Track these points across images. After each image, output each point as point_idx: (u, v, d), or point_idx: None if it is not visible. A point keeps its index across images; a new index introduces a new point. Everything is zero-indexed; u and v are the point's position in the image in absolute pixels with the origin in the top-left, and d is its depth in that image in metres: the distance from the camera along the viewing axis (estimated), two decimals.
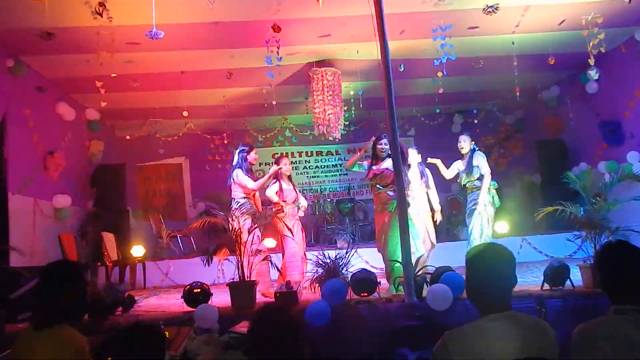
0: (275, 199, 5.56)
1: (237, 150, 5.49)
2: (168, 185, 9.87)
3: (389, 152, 4.76)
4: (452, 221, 8.31)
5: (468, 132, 6.02)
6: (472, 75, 7.65)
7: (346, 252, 4.87)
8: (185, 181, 9.92)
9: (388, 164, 4.91)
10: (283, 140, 9.95)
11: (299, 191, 6.04)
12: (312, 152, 10.44)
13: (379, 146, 5.13)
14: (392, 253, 4.72)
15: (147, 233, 8.58)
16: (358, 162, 5.25)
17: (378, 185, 5.05)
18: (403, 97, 7.62)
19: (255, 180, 5.39)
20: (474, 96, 8.58)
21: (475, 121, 9.09)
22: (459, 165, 5.76)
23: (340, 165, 10.43)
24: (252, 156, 5.46)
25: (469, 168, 5.58)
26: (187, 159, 9.95)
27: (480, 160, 5.55)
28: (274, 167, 5.56)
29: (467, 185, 5.68)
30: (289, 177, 5.81)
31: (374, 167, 5.16)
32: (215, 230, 5.07)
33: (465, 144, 5.66)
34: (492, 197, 5.53)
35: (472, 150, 5.65)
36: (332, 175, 10.43)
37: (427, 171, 5.88)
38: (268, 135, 9.60)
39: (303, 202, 5.93)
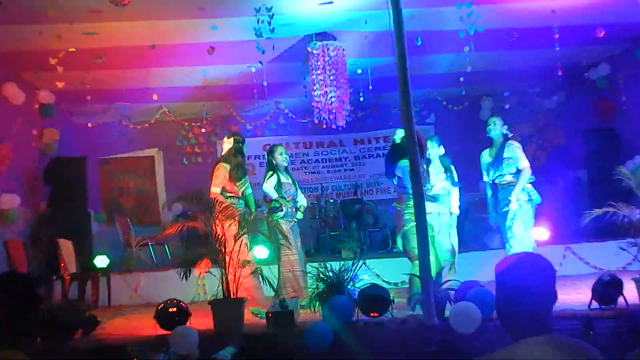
0: (274, 194, 5.63)
1: (232, 140, 5.55)
2: (138, 182, 9.84)
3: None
4: (480, 226, 8.26)
5: (500, 115, 6.00)
6: (505, 50, 7.62)
7: (353, 264, 4.97)
8: (158, 178, 9.89)
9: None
10: (276, 128, 9.92)
11: (298, 188, 6.07)
12: (311, 143, 10.40)
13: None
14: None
15: (112, 240, 8.58)
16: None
17: None
18: (421, 76, 7.57)
19: (221, 185, 5.34)
20: (506, 76, 8.55)
21: (508, 106, 9.04)
22: (486, 158, 5.73)
23: (346, 158, 10.42)
24: (243, 149, 5.62)
25: (498, 160, 5.55)
26: (160, 151, 9.92)
27: (516, 152, 5.51)
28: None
29: (496, 181, 5.64)
30: (286, 169, 5.89)
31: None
32: (195, 237, 5.28)
33: (495, 127, 5.64)
34: (528, 193, 5.49)
35: (504, 138, 5.64)
36: (335, 171, 10.39)
37: (452, 167, 5.90)
38: (258, 123, 9.55)
39: (302, 201, 5.98)
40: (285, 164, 5.85)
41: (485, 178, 5.78)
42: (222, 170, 5.39)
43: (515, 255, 1.86)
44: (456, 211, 5.81)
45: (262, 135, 9.86)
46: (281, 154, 5.80)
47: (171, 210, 9.31)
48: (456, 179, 5.85)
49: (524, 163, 5.45)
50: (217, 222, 4.83)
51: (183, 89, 8.37)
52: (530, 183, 5.54)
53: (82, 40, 6.48)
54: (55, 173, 7.99)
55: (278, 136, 9.92)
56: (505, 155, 5.50)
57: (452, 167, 5.89)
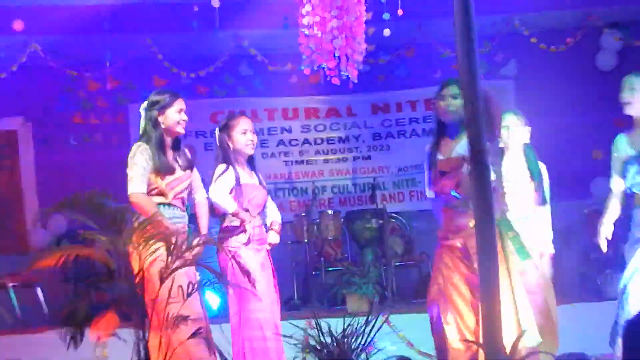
0: (231, 206, 5.63)
1: (144, 105, 5.57)
2: None
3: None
4: (592, 260, 8.45)
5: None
6: None
7: (366, 323, 5.00)
8: (24, 169, 9.99)
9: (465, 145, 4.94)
10: (235, 83, 10.09)
11: (270, 192, 6.31)
12: (296, 110, 10.53)
13: (443, 104, 5.26)
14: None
15: None
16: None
17: (453, 192, 5.16)
18: None
19: (142, 182, 5.37)
20: None
21: None
22: (625, 148, 5.71)
23: (357, 138, 10.47)
24: (172, 116, 5.48)
25: None
26: (27, 121, 9.99)
27: None
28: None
29: (634, 190, 5.64)
30: (250, 160, 5.96)
31: (440, 156, 5.30)
32: (90, 274, 5.36)
33: (634, 94, 5.60)
34: None
35: None
36: (338, 160, 10.54)
37: (543, 167, 6.04)
38: (202, 72, 9.61)
39: (274, 215, 6.15)
40: (250, 152, 5.86)
41: (615, 184, 5.79)
42: (140, 157, 5.37)
43: None
44: (549, 249, 5.95)
45: (209, 95, 10.03)
46: (244, 132, 5.77)
47: (48, 228, 9.33)
48: (547, 190, 6.01)
49: None
50: (131, 248, 4.70)
51: (68, 10, 8.35)
52: None
53: None
54: None
55: (239, 97, 10.22)
56: None
57: (543, 167, 6.01)
